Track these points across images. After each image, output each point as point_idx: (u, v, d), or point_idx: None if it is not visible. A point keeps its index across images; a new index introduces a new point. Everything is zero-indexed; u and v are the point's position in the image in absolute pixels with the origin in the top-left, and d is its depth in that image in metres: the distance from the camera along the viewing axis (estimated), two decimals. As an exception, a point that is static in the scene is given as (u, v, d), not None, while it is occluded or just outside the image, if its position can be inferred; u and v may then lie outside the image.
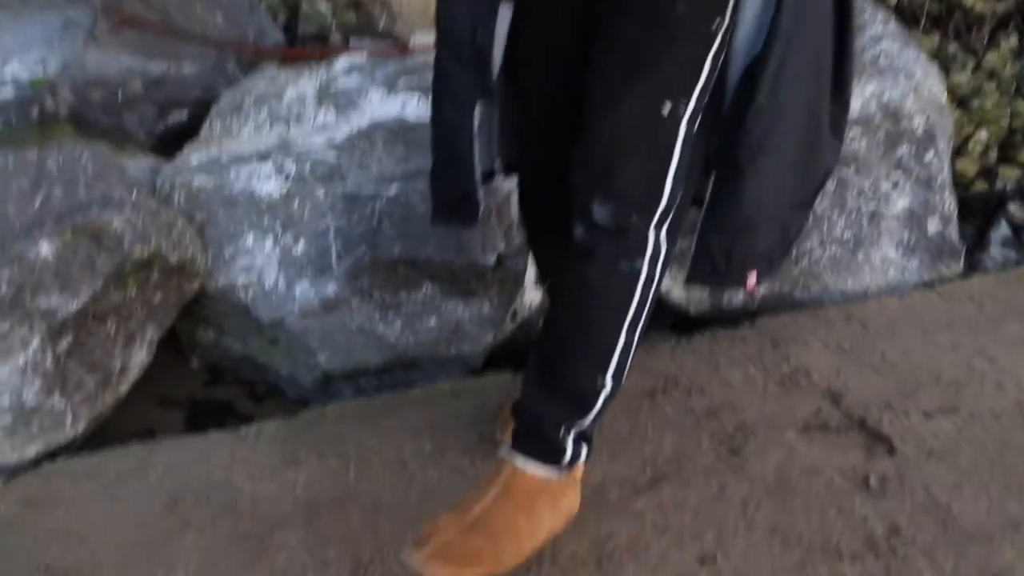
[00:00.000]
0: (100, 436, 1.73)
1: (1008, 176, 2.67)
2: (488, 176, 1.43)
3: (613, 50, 1.20)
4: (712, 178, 1.29)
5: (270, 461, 1.59)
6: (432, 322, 1.83)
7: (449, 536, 1.21)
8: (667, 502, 1.47)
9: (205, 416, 1.91)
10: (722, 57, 1.22)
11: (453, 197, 1.42)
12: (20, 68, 2.28)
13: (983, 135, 2.71)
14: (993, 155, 2.72)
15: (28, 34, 2.40)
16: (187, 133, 2.30)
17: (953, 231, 2.05)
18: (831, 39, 1.32)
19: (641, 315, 1.25)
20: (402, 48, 2.28)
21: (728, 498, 1.47)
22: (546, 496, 1.29)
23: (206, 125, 2.19)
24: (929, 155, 1.96)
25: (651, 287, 1.24)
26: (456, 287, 1.81)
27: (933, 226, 2.02)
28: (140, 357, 1.77)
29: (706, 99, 1.21)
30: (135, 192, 1.66)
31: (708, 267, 1.33)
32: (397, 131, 1.96)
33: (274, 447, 1.63)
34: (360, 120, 2.01)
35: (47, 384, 1.59)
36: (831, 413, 1.64)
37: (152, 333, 1.77)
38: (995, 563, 1.33)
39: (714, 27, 1.18)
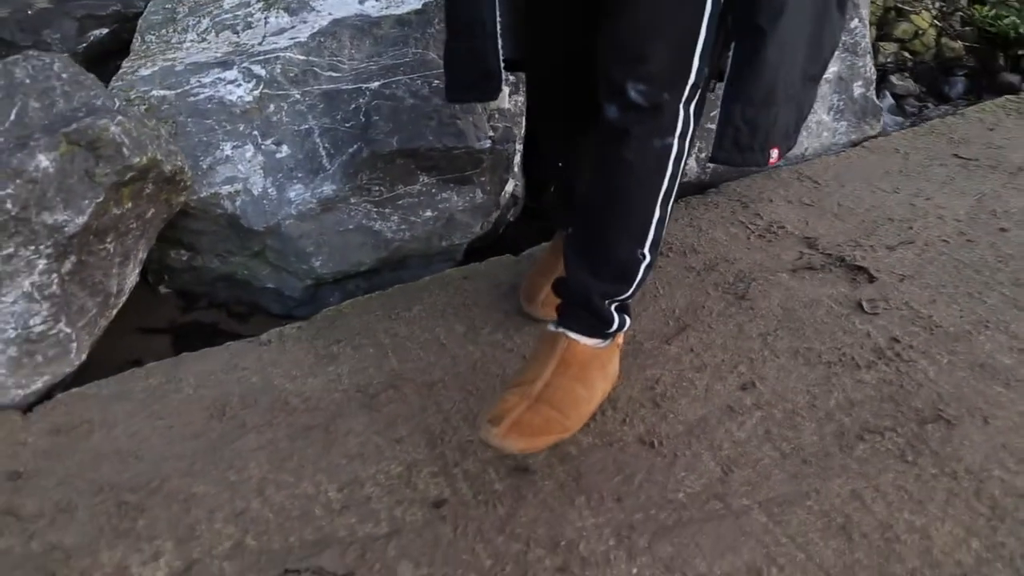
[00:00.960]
0: (88, 368, 1.65)
1: (887, 51, 2.95)
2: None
3: None
4: (732, 49, 1.30)
5: (304, 360, 1.59)
6: (428, 213, 1.85)
7: (520, 412, 1.28)
8: (696, 345, 1.60)
9: (192, 339, 1.84)
10: None
11: (474, 74, 1.42)
12: None
13: (864, 13, 2.97)
14: (873, 32, 2.99)
15: None
16: (111, 50, 2.15)
17: (873, 93, 2.27)
18: None
19: (673, 188, 1.33)
20: (335, -52, 2.21)
21: (748, 334, 1.62)
22: (597, 364, 1.38)
23: (137, 39, 2.05)
24: (855, 23, 2.15)
25: (681, 161, 1.31)
26: (451, 176, 1.83)
27: (858, 89, 2.22)
28: (132, 279, 1.69)
29: None
30: (117, 99, 1.56)
31: (733, 142, 1.32)
32: (362, 27, 1.92)
33: (302, 347, 1.62)
34: (319, 20, 1.95)
35: (53, 309, 1.50)
36: (812, 255, 1.82)
37: (143, 252, 1.69)
38: (979, 354, 1.55)
39: None
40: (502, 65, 1.39)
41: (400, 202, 1.83)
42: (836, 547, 1.21)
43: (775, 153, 1.37)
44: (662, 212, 1.33)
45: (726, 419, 1.44)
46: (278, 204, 1.77)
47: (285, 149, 1.80)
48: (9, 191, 1.38)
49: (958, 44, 2.95)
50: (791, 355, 1.57)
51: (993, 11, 2.99)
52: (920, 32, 2.96)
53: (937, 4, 3.03)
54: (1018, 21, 2.93)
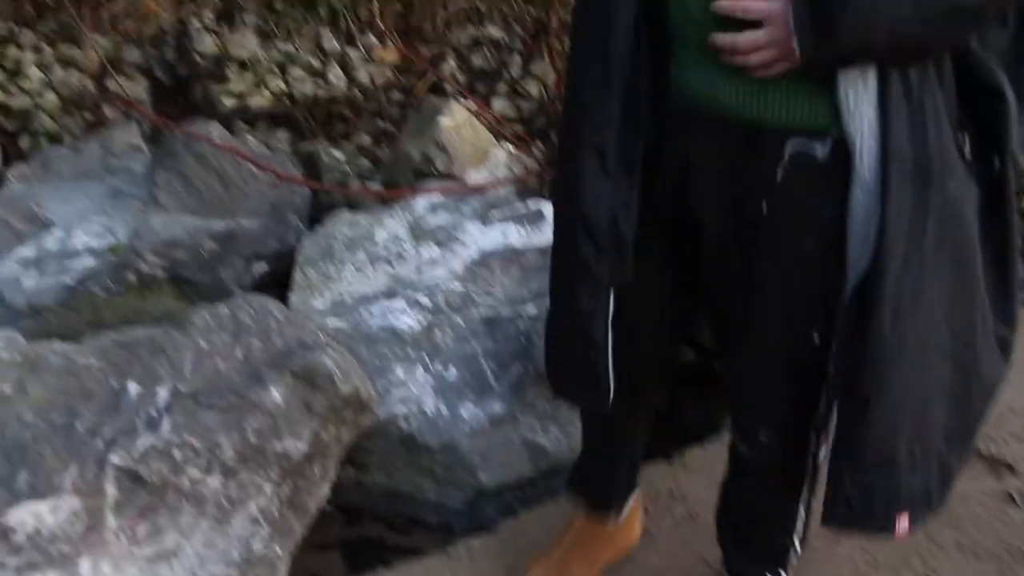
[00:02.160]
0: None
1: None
2: None
3: (752, 291, 1.22)
4: (835, 408, 1.21)
5: (498, 572, 1.68)
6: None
7: None
8: (864, 543, 1.69)
9: (362, 554, 1.94)
10: None
11: (582, 385, 1.37)
12: (88, 238, 2.32)
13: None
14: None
15: (78, 205, 2.44)
16: (268, 284, 2.38)
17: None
18: (979, 247, 1.13)
19: (814, 491, 1.38)
20: (466, 186, 2.49)
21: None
22: None
23: (298, 273, 2.28)
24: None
25: (817, 473, 1.35)
26: (604, 389, 1.99)
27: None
28: (324, 498, 1.81)
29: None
30: (321, 334, 1.75)
31: (844, 507, 1.21)
32: (509, 257, 2.15)
33: (491, 559, 1.72)
34: (467, 252, 2.19)
35: (271, 531, 1.62)
36: (948, 450, 1.94)
37: (334, 472, 1.82)
38: None
39: (839, 255, 1.11)
40: (611, 377, 1.30)
41: (559, 416, 1.98)
42: None
43: (904, 520, 1.23)
44: (806, 509, 1.44)
45: (918, 615, 1.52)
46: (452, 422, 1.92)
47: (453, 371, 1.98)
48: (252, 423, 1.54)
49: None
50: (958, 548, 1.66)
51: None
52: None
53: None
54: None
